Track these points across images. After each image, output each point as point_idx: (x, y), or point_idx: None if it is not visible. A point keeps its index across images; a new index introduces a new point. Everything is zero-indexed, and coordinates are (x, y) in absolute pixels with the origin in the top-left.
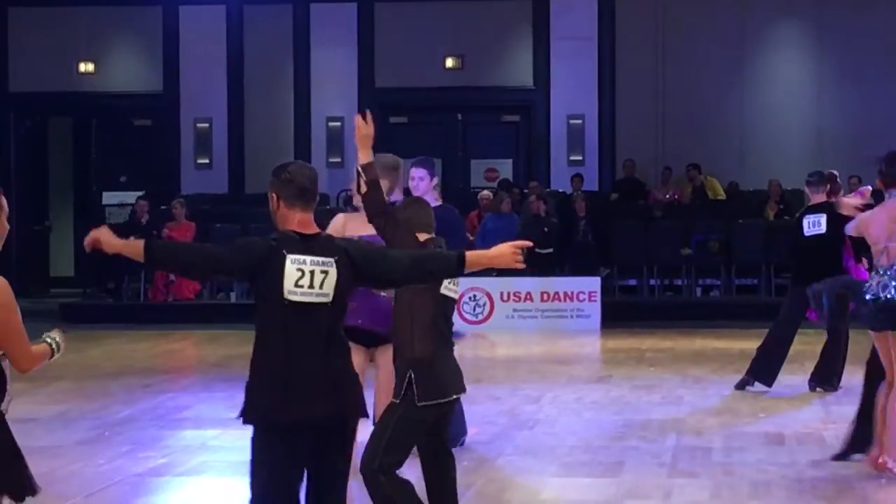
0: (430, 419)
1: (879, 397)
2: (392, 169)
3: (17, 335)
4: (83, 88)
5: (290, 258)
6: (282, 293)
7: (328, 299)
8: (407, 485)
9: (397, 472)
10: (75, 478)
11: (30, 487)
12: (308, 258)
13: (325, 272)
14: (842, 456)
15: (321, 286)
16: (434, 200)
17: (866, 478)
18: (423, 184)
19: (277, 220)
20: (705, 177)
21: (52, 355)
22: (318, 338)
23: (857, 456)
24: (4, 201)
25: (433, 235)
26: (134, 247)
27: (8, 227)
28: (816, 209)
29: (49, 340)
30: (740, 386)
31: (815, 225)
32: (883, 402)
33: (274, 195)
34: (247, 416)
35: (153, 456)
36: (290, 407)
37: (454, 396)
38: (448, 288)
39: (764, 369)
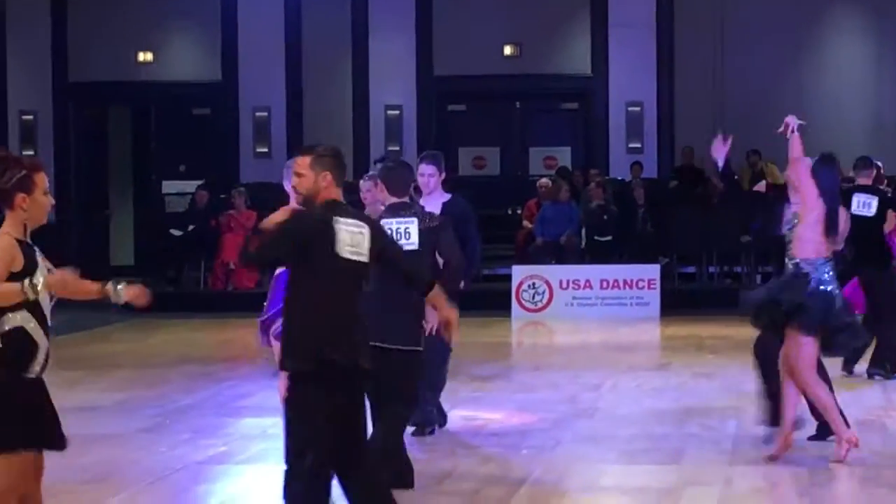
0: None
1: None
2: None
3: None
4: (142, 78)
5: None
6: None
7: None
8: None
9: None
10: (137, 466)
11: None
12: None
13: None
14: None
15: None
16: (441, 196)
17: None
18: (433, 180)
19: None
20: (765, 163)
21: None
22: None
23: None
24: (41, 177)
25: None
26: None
27: (49, 201)
28: (866, 190)
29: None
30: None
31: (864, 206)
32: None
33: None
34: None
35: (214, 444)
36: None
37: None
38: None
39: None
